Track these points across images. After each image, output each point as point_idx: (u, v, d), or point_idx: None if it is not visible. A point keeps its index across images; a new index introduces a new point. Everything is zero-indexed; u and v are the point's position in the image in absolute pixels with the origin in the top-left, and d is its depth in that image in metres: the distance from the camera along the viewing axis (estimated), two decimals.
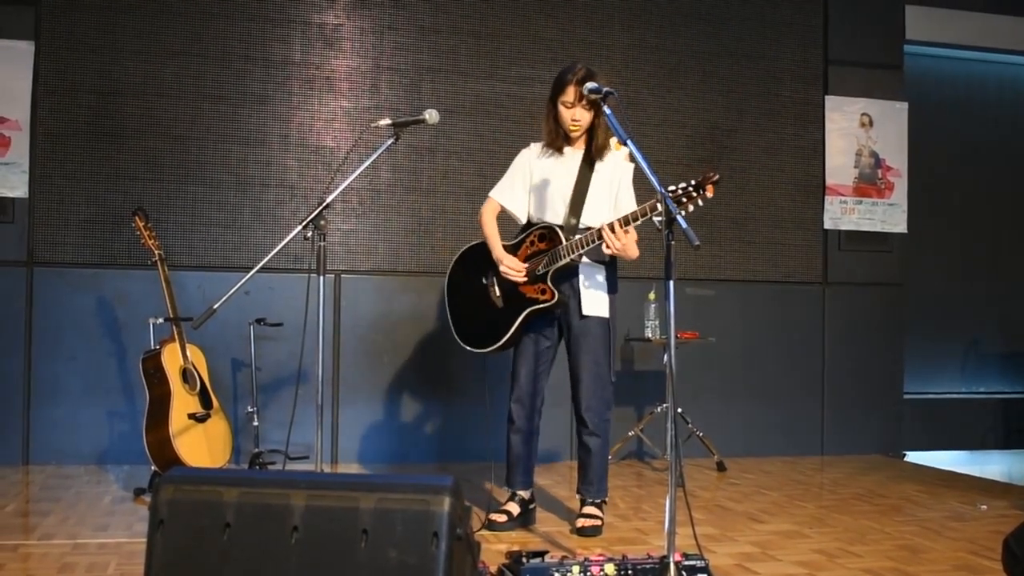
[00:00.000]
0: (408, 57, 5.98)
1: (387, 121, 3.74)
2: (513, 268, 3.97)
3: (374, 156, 3.70)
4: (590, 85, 3.38)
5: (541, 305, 3.92)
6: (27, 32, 5.46)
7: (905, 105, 6.85)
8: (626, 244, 3.73)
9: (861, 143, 6.75)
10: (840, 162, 6.71)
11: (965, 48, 7.22)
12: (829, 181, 6.68)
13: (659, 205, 3.48)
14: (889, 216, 6.79)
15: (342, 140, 5.85)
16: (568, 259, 3.86)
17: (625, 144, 3.16)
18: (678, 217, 2.91)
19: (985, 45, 7.20)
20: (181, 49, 5.66)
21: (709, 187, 3.20)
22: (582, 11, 6.23)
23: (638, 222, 3.66)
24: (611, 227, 3.69)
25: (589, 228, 3.88)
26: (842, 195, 6.69)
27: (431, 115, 3.77)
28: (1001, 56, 7.35)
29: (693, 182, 3.22)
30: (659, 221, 2.99)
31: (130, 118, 5.59)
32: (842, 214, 6.70)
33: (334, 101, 5.87)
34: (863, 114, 6.74)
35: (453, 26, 6.04)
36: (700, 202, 3.24)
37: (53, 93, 5.50)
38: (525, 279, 3.96)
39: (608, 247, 3.73)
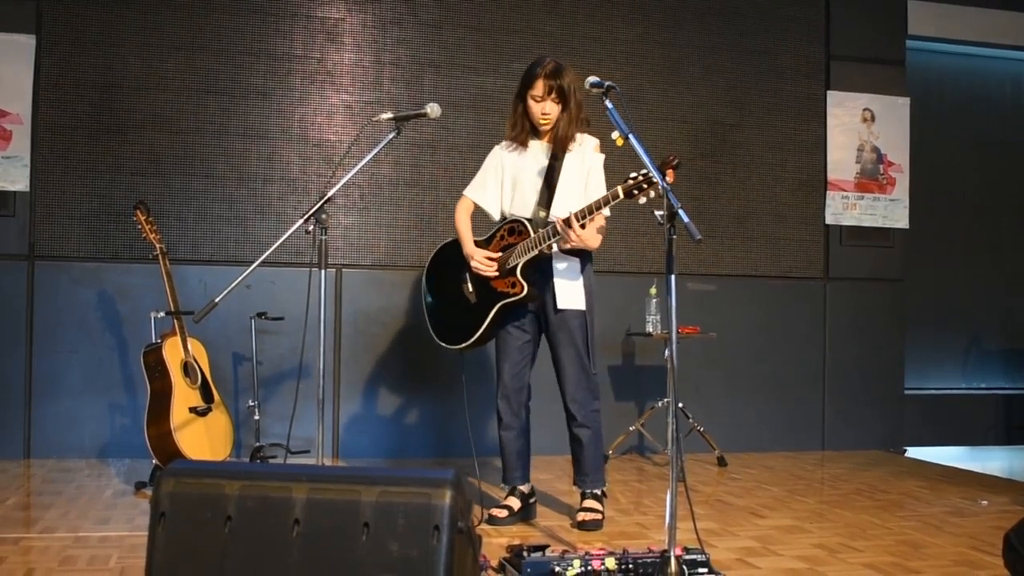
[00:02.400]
0: (410, 51, 5.97)
1: (389, 115, 3.74)
2: (483, 263, 3.98)
3: (376, 150, 3.70)
4: (592, 79, 3.37)
5: (512, 299, 3.92)
6: (28, 26, 5.45)
7: (907, 100, 6.84)
8: (582, 236, 3.73)
9: (863, 138, 6.75)
10: (842, 157, 6.70)
11: (967, 44, 7.21)
12: (831, 176, 6.67)
13: (612, 199, 3.55)
14: (891, 211, 6.79)
15: (344, 134, 5.85)
16: (536, 251, 3.86)
17: (627, 139, 3.15)
18: (680, 212, 2.91)
19: (987, 41, 7.19)
20: (183, 43, 5.66)
21: (669, 172, 3.17)
22: (584, 6, 6.23)
23: (594, 214, 3.66)
24: (567, 221, 3.70)
25: None
26: (844, 190, 6.69)
27: (433, 109, 3.77)
28: (1003, 52, 7.34)
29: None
30: (660, 216, 2.98)
31: (131, 112, 5.59)
32: (844, 209, 6.69)
33: (336, 95, 5.87)
34: (865, 109, 6.74)
35: (455, 20, 6.04)
36: (662, 186, 3.18)
37: (54, 87, 5.49)
38: (496, 273, 3.97)
39: (565, 240, 3.74)
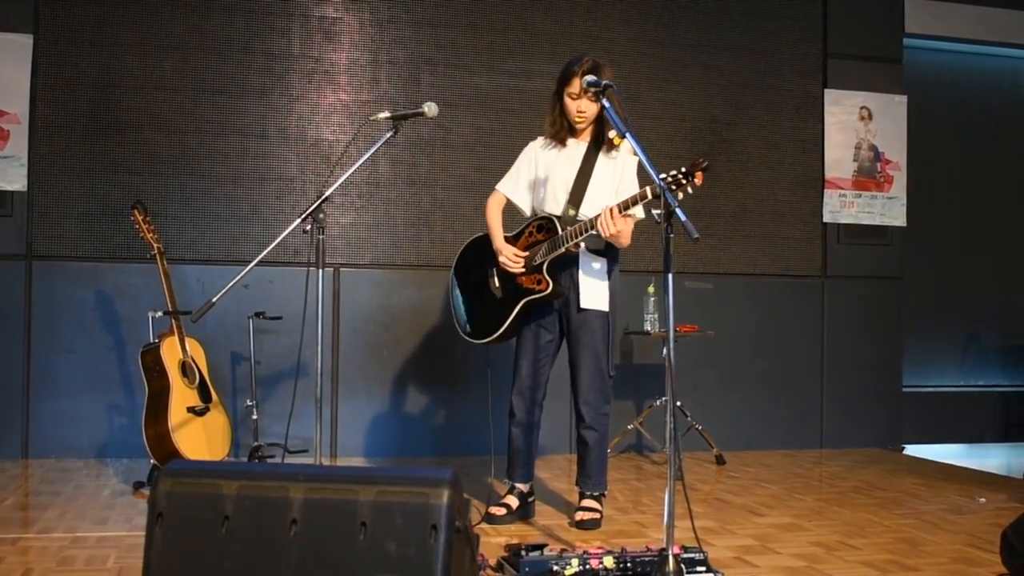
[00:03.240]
0: (407, 50, 5.97)
1: (386, 114, 3.74)
2: (510, 258, 3.98)
3: (373, 149, 3.70)
4: (589, 79, 3.38)
5: (537, 295, 3.92)
6: (26, 25, 5.44)
7: (904, 98, 6.84)
8: (621, 230, 3.72)
9: (860, 136, 6.75)
10: (839, 155, 6.70)
11: (964, 41, 7.21)
12: (828, 174, 6.68)
13: (651, 192, 3.52)
14: (888, 209, 6.79)
15: (341, 133, 5.85)
16: (563, 248, 3.86)
17: (624, 137, 3.15)
18: (677, 210, 2.91)
19: (984, 38, 7.19)
20: (180, 42, 5.65)
21: (698, 174, 3.18)
22: (581, 4, 6.22)
23: (635, 207, 3.65)
24: (610, 211, 3.68)
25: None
26: (841, 188, 6.69)
27: (430, 108, 3.77)
28: (1000, 49, 7.35)
29: (683, 169, 3.20)
30: (658, 214, 2.98)
31: (129, 111, 5.58)
32: (841, 207, 6.69)
33: (333, 94, 5.86)
34: (862, 107, 6.74)
35: (452, 19, 6.03)
36: (690, 189, 3.22)
37: (52, 86, 5.49)
38: (523, 269, 3.97)
39: (603, 230, 3.71)
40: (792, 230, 6.61)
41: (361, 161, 3.70)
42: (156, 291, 4.81)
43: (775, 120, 6.58)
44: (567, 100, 3.96)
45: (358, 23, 5.91)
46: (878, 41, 6.80)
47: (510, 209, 4.21)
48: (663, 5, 6.37)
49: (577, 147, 4.05)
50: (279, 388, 5.59)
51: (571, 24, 6.20)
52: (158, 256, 4.69)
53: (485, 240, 4.16)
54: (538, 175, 4.11)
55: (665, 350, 2.99)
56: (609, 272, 4.06)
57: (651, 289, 5.79)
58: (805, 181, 6.65)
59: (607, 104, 3.27)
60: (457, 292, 4.26)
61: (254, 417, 4.98)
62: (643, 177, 3.93)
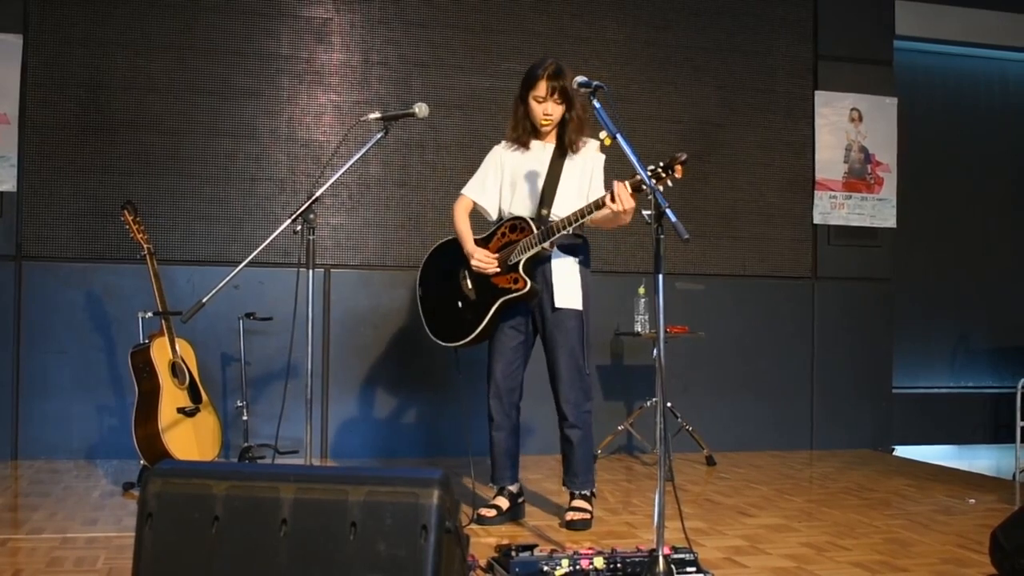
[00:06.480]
0: (398, 51, 5.97)
1: (377, 115, 3.74)
2: (484, 260, 3.97)
3: (364, 150, 3.69)
4: (580, 79, 3.38)
5: (514, 294, 3.92)
6: (16, 25, 5.43)
7: (895, 100, 6.86)
8: (631, 206, 3.57)
9: (851, 138, 6.77)
10: (830, 157, 6.72)
11: (955, 44, 7.24)
12: (819, 176, 6.69)
13: (656, 176, 3.46)
14: (878, 211, 6.81)
15: (332, 134, 5.84)
16: (539, 247, 3.86)
17: (615, 138, 3.16)
18: (667, 211, 2.91)
19: (974, 41, 7.22)
20: (171, 43, 5.64)
21: (678, 168, 3.19)
22: (573, 5, 6.23)
23: (641, 190, 3.54)
24: (623, 185, 3.53)
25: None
26: (832, 190, 6.71)
27: (421, 109, 3.77)
28: (990, 52, 7.38)
29: (661, 163, 3.20)
30: (648, 215, 2.98)
31: (119, 112, 5.57)
32: (832, 209, 6.71)
33: (324, 95, 5.86)
34: (853, 109, 6.76)
35: (443, 20, 6.03)
36: (669, 183, 3.21)
37: (42, 87, 5.47)
38: (497, 269, 3.96)
39: (620, 204, 3.51)
40: (782, 231, 6.62)
41: (352, 162, 3.69)
42: (146, 292, 4.80)
43: (766, 122, 6.60)
44: (532, 103, 3.97)
45: (349, 24, 5.91)
46: (869, 43, 6.82)
47: (474, 214, 4.20)
48: (655, 7, 6.38)
49: (541, 149, 4.07)
50: (269, 389, 5.58)
51: (563, 25, 6.20)
52: (148, 257, 4.68)
53: (452, 245, 4.16)
54: (505, 179, 4.11)
55: (655, 351, 3.00)
56: (581, 271, 4.06)
57: (641, 290, 5.79)
58: (795, 182, 6.66)
59: (597, 105, 3.27)
60: (426, 297, 4.24)
61: (244, 418, 4.97)
62: (621, 173, 3.91)
